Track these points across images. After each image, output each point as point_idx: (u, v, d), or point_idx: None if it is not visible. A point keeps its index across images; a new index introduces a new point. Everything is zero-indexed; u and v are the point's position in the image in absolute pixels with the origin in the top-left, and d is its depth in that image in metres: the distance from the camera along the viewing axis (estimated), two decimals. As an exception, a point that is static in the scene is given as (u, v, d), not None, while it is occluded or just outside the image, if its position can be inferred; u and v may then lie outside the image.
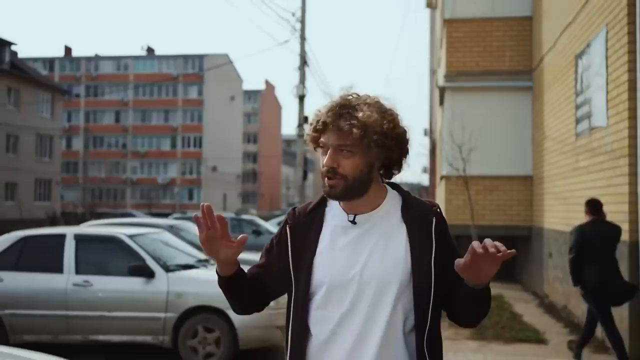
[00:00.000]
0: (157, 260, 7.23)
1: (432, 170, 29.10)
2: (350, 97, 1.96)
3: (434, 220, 1.97)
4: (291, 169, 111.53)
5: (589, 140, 8.75)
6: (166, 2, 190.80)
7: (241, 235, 1.93)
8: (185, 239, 9.51)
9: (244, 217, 18.01)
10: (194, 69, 74.20)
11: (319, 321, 1.95)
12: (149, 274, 7.07)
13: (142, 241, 7.49)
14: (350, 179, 1.90)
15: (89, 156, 72.19)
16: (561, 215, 10.50)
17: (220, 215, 1.91)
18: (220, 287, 2.07)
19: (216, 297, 7.01)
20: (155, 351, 7.28)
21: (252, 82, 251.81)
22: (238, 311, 2.18)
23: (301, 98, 18.70)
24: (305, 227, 2.02)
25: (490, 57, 13.67)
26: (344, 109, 1.91)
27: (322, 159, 1.94)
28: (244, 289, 2.08)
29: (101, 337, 7.13)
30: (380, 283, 1.89)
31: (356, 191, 1.93)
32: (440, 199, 15.29)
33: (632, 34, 7.09)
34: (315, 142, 1.98)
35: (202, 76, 72.00)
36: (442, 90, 14.77)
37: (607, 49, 7.91)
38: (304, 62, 18.79)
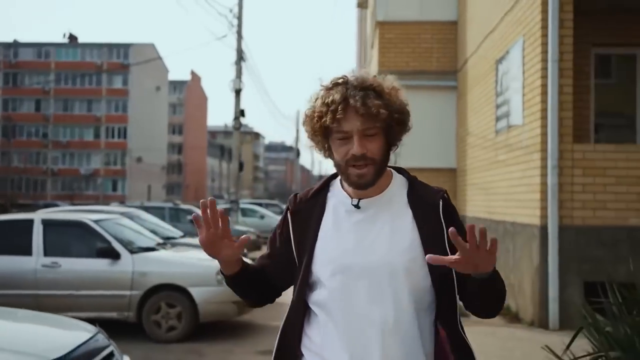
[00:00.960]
0: (121, 242, 7.85)
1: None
2: (362, 77, 1.86)
3: (440, 204, 1.91)
4: (216, 160, 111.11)
5: (506, 137, 9.86)
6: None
7: (243, 236, 1.83)
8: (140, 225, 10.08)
9: (183, 206, 18.51)
10: (119, 58, 73.06)
11: (322, 306, 1.89)
12: (115, 255, 7.68)
13: (107, 225, 8.08)
14: (379, 162, 1.84)
15: (8, 146, 70.06)
16: (482, 204, 11.64)
17: (222, 211, 1.82)
18: (228, 285, 2.04)
19: (178, 275, 7.72)
20: (120, 327, 7.90)
21: (178, 72, 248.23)
22: (250, 304, 2.17)
23: (237, 92, 19.32)
24: (307, 212, 1.96)
25: (419, 57, 14.72)
26: (361, 91, 1.81)
27: (342, 150, 1.84)
28: (252, 285, 2.03)
29: (70, 314, 7.68)
30: (388, 268, 1.82)
31: (381, 174, 1.88)
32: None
33: (545, 45, 8.16)
34: (325, 134, 1.87)
35: (128, 66, 71.00)
36: (374, 88, 15.72)
37: (523, 57, 8.98)
38: (240, 58, 19.40)
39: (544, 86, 8.14)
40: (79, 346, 3.78)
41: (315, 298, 1.90)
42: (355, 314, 1.82)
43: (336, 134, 1.84)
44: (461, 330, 1.87)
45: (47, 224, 7.92)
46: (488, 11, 11.41)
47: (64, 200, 60.56)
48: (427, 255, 1.69)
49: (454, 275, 1.85)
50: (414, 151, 13.49)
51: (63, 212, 9.54)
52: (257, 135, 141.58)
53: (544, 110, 8.14)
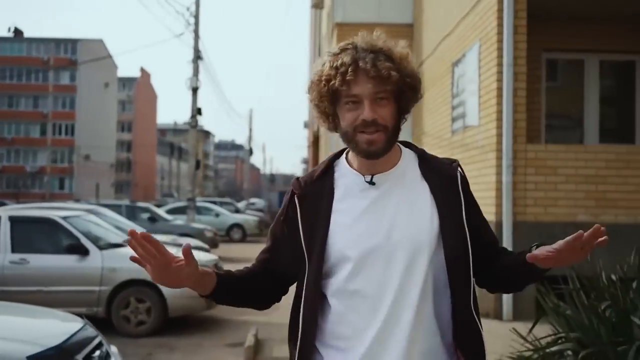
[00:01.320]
0: (90, 239, 7.93)
1: (314, 162, 30.49)
2: (367, 39, 1.77)
3: (458, 175, 1.84)
4: (166, 158, 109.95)
5: (462, 137, 10.27)
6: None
7: (184, 245, 1.62)
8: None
9: (139, 204, 18.47)
10: (67, 54, 71.70)
11: (343, 294, 1.75)
12: (84, 251, 7.76)
13: (75, 222, 8.14)
14: (390, 129, 1.74)
15: (-50, 142, 68.06)
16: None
17: (145, 235, 1.59)
18: (218, 304, 1.89)
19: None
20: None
21: (126, 69, 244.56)
22: (256, 309, 1.96)
23: (194, 90, 19.37)
24: (315, 195, 1.81)
25: (376, 59, 15.06)
26: (370, 54, 1.72)
27: (350, 116, 1.74)
28: (246, 291, 1.87)
29: (38, 310, 7.74)
30: (412, 247, 1.72)
31: (393, 143, 1.78)
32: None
33: (500, 49, 8.57)
34: (332, 100, 1.77)
35: (76, 62, 69.74)
36: (332, 88, 16.04)
37: (479, 60, 9.39)
38: (197, 56, 19.46)
39: (500, 89, 8.55)
40: (72, 335, 3.95)
41: (335, 286, 1.76)
42: (384, 304, 1.71)
43: (345, 98, 1.74)
44: (475, 314, 1.79)
45: (14, 220, 7.94)
46: (444, 15, 11.82)
47: (9, 198, 59.10)
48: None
49: (470, 254, 1.78)
50: (372, 150, 13.86)
51: (29, 209, 9.51)
52: (207, 134, 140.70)
53: (499, 112, 8.54)
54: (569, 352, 3.73)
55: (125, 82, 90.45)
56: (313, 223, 1.79)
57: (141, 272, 7.73)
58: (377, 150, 1.73)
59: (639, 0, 8.80)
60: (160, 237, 11.60)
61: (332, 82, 1.73)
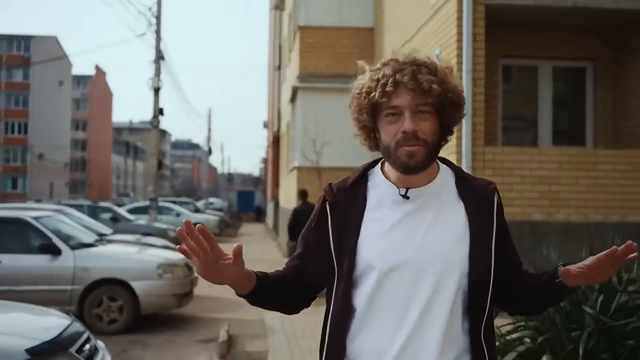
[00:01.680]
0: (62, 239, 8.06)
1: (274, 161, 30.70)
2: (413, 55, 1.77)
3: (495, 200, 1.82)
4: (121, 157, 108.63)
5: (423, 139, 10.65)
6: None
7: (235, 247, 1.64)
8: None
9: (101, 204, 18.44)
10: (20, 51, 70.32)
11: (369, 306, 1.74)
12: (56, 251, 7.88)
13: (46, 222, 8.25)
14: (430, 144, 1.72)
15: None
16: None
17: (202, 228, 1.60)
18: (253, 305, 1.88)
19: (119, 270, 8.03)
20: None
21: (82, 66, 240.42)
22: (285, 312, 1.98)
23: (156, 90, 19.42)
24: (347, 204, 1.81)
25: (338, 61, 15.41)
26: (414, 66, 1.72)
27: (392, 128, 1.72)
28: (280, 294, 1.88)
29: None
30: (442, 265, 1.70)
31: (432, 159, 1.77)
32: (291, 187, 16.84)
33: (460, 56, 8.97)
34: (373, 112, 1.76)
35: (29, 59, 68.44)
36: (295, 90, 16.32)
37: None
38: (159, 57, 19.51)
39: (459, 93, 8.94)
40: (64, 330, 4.16)
41: (362, 298, 1.75)
42: (408, 321, 1.70)
43: (385, 110, 1.72)
44: (482, 338, 1.76)
45: (-15, 221, 8.02)
46: (405, 21, 12.21)
47: (-41, 198, 57.84)
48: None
49: (491, 278, 1.76)
50: (335, 151, 14.18)
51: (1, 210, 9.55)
52: (163, 133, 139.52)
53: (459, 116, 8.94)
54: (527, 339, 4.10)
55: (80, 80, 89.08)
56: (343, 231, 1.77)
57: (113, 271, 7.95)
58: (416, 164, 1.71)
59: (588, 12, 9.30)
60: (124, 237, 11.72)
61: (372, 94, 1.73)
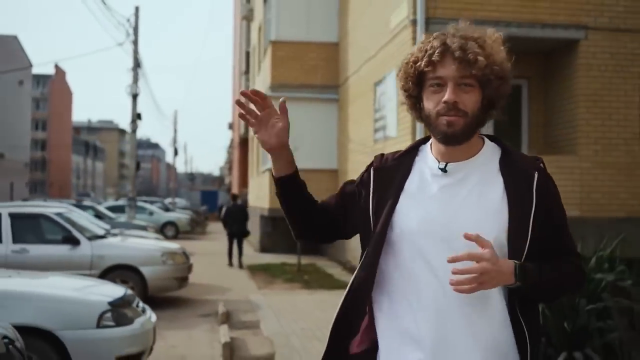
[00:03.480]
0: (79, 231, 9.48)
1: (242, 162, 32.09)
2: (464, 29, 1.80)
3: (536, 175, 1.79)
4: (81, 157, 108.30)
5: (383, 146, 12.32)
6: None
7: (281, 100, 1.87)
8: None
9: (85, 203, 19.71)
10: (-21, 51, 70.00)
11: (399, 272, 1.80)
12: (75, 242, 9.31)
13: (65, 217, 9.66)
14: (470, 116, 1.74)
15: None
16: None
17: (260, 92, 1.86)
18: (279, 197, 1.95)
19: (130, 257, 9.50)
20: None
21: (41, 66, 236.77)
22: (297, 233, 2.03)
23: (134, 96, 20.73)
24: (391, 172, 1.88)
25: (306, 73, 17.02)
26: (462, 39, 1.74)
27: (436, 98, 1.76)
28: (306, 202, 1.96)
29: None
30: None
31: (472, 132, 1.78)
32: (263, 187, 18.38)
33: (414, 76, 10.65)
34: (418, 81, 1.81)
35: (-11, 58, 68.26)
36: (267, 98, 17.89)
37: (397, 84, 11.45)
38: (137, 64, 20.83)
39: (414, 108, 10.63)
40: (125, 292, 5.68)
41: (392, 263, 1.81)
42: (435, 289, 1.72)
43: (430, 80, 1.77)
44: (519, 313, 1.75)
45: (13, 216, 9.39)
46: (366, 40, 13.88)
47: None
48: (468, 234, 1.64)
49: (523, 255, 1.74)
50: (302, 154, 15.71)
51: (24, 207, 10.87)
52: (122, 132, 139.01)
53: (413, 127, 10.62)
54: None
55: (40, 79, 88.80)
56: (382, 197, 1.85)
57: (125, 258, 9.44)
58: (455, 133, 1.74)
59: (521, 39, 11.08)
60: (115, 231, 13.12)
61: (419, 63, 1.78)
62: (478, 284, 1.61)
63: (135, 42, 20.73)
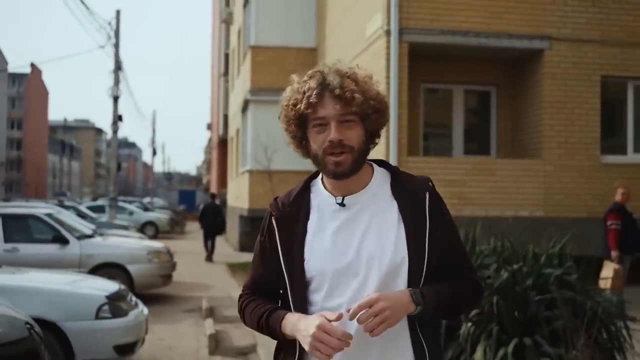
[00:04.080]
0: (68, 231, 9.91)
1: (220, 162, 32.48)
2: (336, 65, 1.88)
3: (427, 196, 1.89)
4: (57, 157, 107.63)
5: (359, 149, 12.87)
6: None
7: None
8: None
9: (67, 203, 20.01)
10: (-45, 49, 69.50)
11: (316, 309, 1.83)
12: (64, 241, 9.73)
13: (54, 217, 10.08)
14: (357, 150, 1.82)
15: None
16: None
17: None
18: (270, 335, 1.93)
19: (117, 256, 9.95)
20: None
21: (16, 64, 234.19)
22: None
23: (115, 99, 21.09)
24: (291, 217, 1.91)
25: (285, 77, 16.47)
26: (336, 77, 1.82)
27: (319, 138, 1.82)
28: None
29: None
30: (382, 266, 1.80)
31: (360, 164, 1.85)
32: (243, 187, 18.85)
33: (388, 84, 11.16)
34: (300, 123, 1.86)
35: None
36: (247, 102, 18.37)
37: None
38: (118, 67, 21.19)
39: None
40: (119, 287, 6.17)
41: (317, 306, 1.85)
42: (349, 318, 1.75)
43: (312, 121, 1.82)
44: (419, 332, 1.85)
45: (4, 216, 9.79)
46: (343, 47, 14.43)
47: None
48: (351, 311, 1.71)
49: (423, 273, 1.85)
50: (286, 156, 16.29)
51: (14, 207, 11.24)
52: (99, 131, 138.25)
53: (387, 132, 11.19)
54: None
55: (16, 77, 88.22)
56: (291, 244, 1.88)
57: (112, 257, 9.93)
58: (344, 171, 1.81)
59: (490, 49, 11.70)
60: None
61: (298, 105, 1.82)
62: (384, 323, 1.71)
63: (116, 46, 21.07)
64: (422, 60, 12.22)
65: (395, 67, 11.14)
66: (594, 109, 11.71)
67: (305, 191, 1.96)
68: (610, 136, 12.35)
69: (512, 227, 10.69)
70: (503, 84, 12.90)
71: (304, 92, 1.83)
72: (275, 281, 1.93)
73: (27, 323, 3.92)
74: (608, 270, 8.13)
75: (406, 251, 1.82)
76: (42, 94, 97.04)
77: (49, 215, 10.06)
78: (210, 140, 48.58)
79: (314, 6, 17.74)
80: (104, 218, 20.08)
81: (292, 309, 1.87)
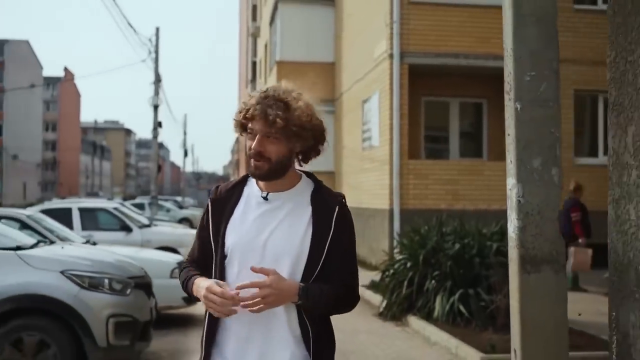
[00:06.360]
0: (131, 221, 12.28)
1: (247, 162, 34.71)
2: (278, 90, 2.16)
3: (337, 208, 2.20)
4: (89, 157, 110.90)
5: (369, 153, 15.09)
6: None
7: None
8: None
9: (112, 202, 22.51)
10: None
11: (230, 281, 2.13)
12: (129, 229, 12.09)
13: (119, 210, 12.47)
14: (274, 162, 2.13)
15: None
16: (353, 197, 16.82)
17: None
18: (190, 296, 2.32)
19: (170, 241, 12.27)
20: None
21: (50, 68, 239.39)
22: None
23: (156, 107, 23.56)
24: (224, 201, 2.26)
25: (307, 89, 19.62)
26: (271, 101, 2.10)
27: (249, 143, 2.14)
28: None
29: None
30: (278, 253, 2.14)
31: (277, 173, 2.16)
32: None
33: (391, 98, 13.37)
34: (242, 128, 2.18)
35: (3, 62, 71.29)
36: (273, 110, 20.71)
37: (379, 103, 14.23)
38: (158, 80, 23.66)
39: (391, 123, 13.40)
40: (183, 259, 8.50)
41: (230, 276, 2.17)
42: (251, 293, 2.05)
43: (248, 129, 2.15)
44: (305, 317, 2.16)
45: (82, 210, 12.21)
46: (356, 64, 16.67)
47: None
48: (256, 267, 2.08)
49: (317, 270, 2.17)
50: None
51: (87, 203, 13.66)
52: (128, 132, 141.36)
53: (391, 138, 13.38)
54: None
55: (50, 81, 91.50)
56: (217, 225, 2.24)
57: (166, 242, 12.30)
58: (260, 175, 2.16)
59: (479, 68, 13.83)
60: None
61: (241, 114, 2.18)
62: (265, 304, 2.04)
63: (156, 60, 23.52)
64: (423, 77, 14.38)
65: (397, 85, 13.32)
66: (567, 118, 13.73)
67: (241, 183, 2.30)
68: (584, 141, 14.45)
69: (496, 217, 12.83)
70: (493, 96, 14.92)
71: (246, 106, 2.17)
72: (207, 254, 2.26)
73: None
74: (583, 255, 10.12)
75: (308, 249, 2.15)
76: (75, 97, 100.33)
77: (116, 209, 12.45)
78: (237, 141, 51.03)
79: (332, 25, 19.98)
80: (145, 215, 22.56)
81: (213, 276, 2.20)
